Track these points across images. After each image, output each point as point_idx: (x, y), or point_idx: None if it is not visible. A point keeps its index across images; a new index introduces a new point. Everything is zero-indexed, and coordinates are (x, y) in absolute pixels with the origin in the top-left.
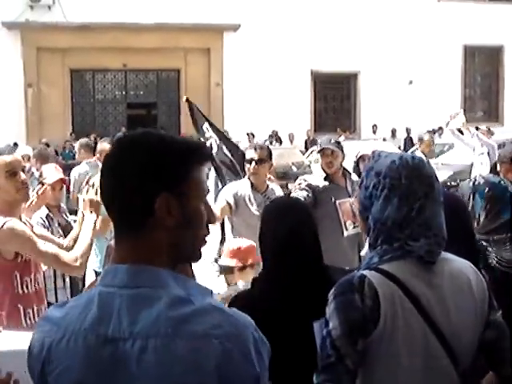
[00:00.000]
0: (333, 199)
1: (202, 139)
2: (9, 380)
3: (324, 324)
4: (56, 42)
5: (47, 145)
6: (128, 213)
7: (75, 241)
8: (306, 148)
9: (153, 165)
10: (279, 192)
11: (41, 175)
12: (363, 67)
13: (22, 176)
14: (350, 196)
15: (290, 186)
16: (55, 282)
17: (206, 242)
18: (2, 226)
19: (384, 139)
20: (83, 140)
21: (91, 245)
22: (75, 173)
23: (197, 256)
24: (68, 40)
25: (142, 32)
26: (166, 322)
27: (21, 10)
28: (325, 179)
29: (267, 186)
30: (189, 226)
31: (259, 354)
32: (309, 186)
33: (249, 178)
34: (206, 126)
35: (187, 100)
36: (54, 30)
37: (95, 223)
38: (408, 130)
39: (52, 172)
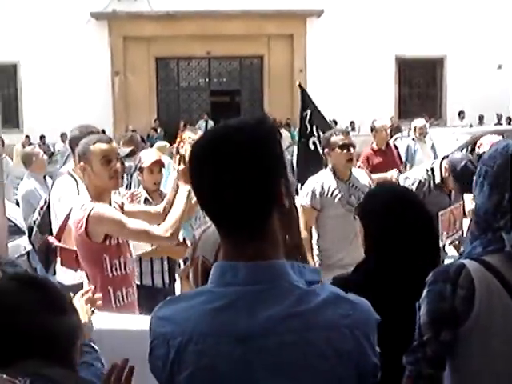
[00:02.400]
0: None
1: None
2: (125, 366)
3: (418, 308)
4: (142, 31)
5: (134, 131)
6: (248, 214)
7: (170, 207)
8: (391, 135)
9: (270, 153)
10: (364, 178)
11: (139, 160)
12: (450, 51)
13: (117, 165)
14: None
15: None
16: (152, 265)
17: None
18: (91, 211)
19: (471, 125)
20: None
21: (183, 215)
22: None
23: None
24: (153, 29)
25: (226, 19)
26: (298, 316)
27: (108, 1)
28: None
29: (350, 173)
30: (291, 211)
31: (375, 337)
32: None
33: (332, 167)
34: (307, 113)
35: (299, 85)
36: (140, 20)
37: (189, 193)
38: (499, 116)
39: (149, 155)
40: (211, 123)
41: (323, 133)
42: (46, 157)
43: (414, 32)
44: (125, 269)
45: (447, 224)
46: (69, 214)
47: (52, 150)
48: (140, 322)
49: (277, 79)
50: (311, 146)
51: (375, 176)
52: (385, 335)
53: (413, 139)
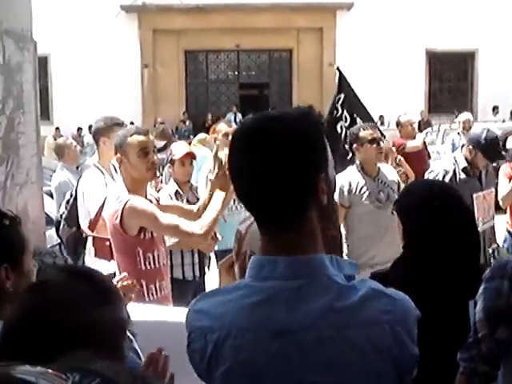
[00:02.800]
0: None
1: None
2: (159, 356)
3: (474, 305)
4: (171, 24)
5: (162, 123)
6: (286, 206)
7: (205, 207)
8: (420, 129)
9: (311, 146)
10: (392, 173)
11: (170, 153)
12: (481, 45)
13: (154, 157)
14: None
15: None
16: (182, 258)
17: None
18: (126, 204)
19: (503, 121)
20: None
21: (218, 215)
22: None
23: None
24: (183, 22)
25: (255, 12)
26: (337, 311)
27: None
28: None
29: (379, 169)
30: (329, 196)
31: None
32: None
33: (360, 163)
34: (341, 96)
35: (337, 68)
36: (170, 12)
37: (225, 199)
38: None
39: (181, 148)
40: (240, 116)
41: (360, 119)
42: (79, 147)
43: (444, 25)
44: (158, 262)
45: (482, 209)
46: (102, 205)
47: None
48: (173, 314)
49: (306, 73)
50: (338, 130)
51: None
52: (425, 331)
53: (458, 133)
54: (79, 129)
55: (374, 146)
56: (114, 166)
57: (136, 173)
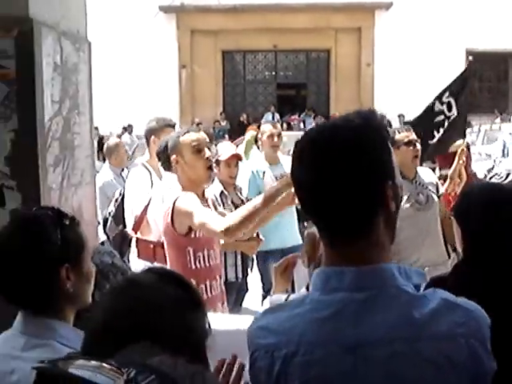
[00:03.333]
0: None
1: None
2: (234, 362)
3: None
4: (209, 25)
5: (200, 123)
6: (354, 215)
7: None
8: None
9: (377, 153)
10: (429, 174)
11: (216, 153)
12: None
13: (208, 153)
14: None
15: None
16: (225, 259)
17: None
18: (175, 202)
19: None
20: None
21: (252, 218)
22: None
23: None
24: (220, 22)
25: (293, 12)
26: (409, 324)
27: None
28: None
29: (416, 171)
30: (397, 202)
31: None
32: None
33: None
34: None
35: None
36: (207, 13)
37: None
38: None
39: (227, 149)
40: (277, 116)
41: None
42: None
43: (485, 25)
44: (209, 261)
45: None
46: (147, 205)
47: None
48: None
49: (343, 73)
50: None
51: None
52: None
53: (510, 133)
54: (129, 126)
55: (411, 148)
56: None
57: (193, 172)
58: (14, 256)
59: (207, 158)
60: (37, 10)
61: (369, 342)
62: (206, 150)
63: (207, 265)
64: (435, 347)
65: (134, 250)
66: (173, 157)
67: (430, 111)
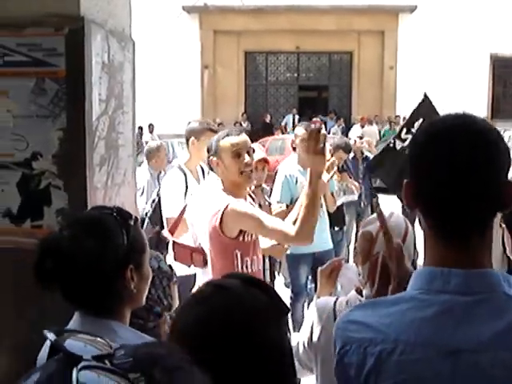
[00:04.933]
0: None
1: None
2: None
3: None
4: (232, 25)
5: (221, 124)
6: (471, 214)
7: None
8: None
9: (503, 154)
10: None
11: None
12: None
13: (247, 158)
14: None
15: None
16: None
17: None
18: (228, 205)
19: None
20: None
21: (307, 219)
22: None
23: None
24: (243, 23)
25: (316, 14)
26: None
27: None
28: None
29: None
30: None
31: None
32: None
33: None
34: (420, 121)
35: (425, 94)
36: (230, 13)
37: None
38: None
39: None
40: (298, 118)
41: None
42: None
43: (510, 29)
44: (253, 267)
45: None
46: (184, 208)
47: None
48: None
49: (366, 76)
50: (397, 147)
51: None
52: None
53: None
54: (150, 125)
55: None
56: (202, 167)
57: (231, 175)
58: (80, 259)
59: (246, 162)
60: (87, 9)
61: (472, 348)
62: (246, 155)
63: (252, 270)
64: None
65: (171, 252)
66: (213, 159)
67: (391, 150)
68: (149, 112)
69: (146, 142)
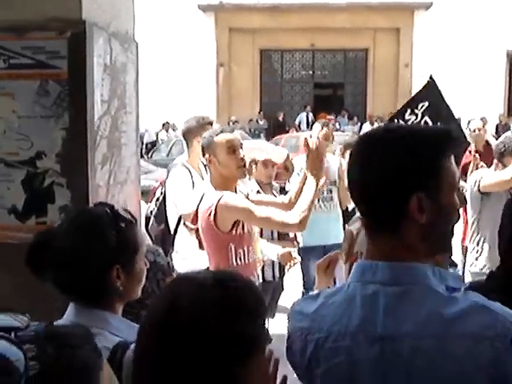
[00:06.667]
0: None
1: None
2: (270, 357)
3: None
4: (247, 23)
5: (236, 122)
6: (381, 213)
7: (296, 198)
8: (497, 133)
9: (405, 166)
10: None
11: None
12: None
13: (241, 153)
14: None
15: None
16: (263, 259)
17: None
18: (219, 200)
19: None
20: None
21: (312, 203)
22: None
23: (448, 247)
24: (258, 21)
25: (331, 12)
26: (437, 322)
27: None
28: None
29: None
30: (442, 219)
31: None
32: None
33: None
34: (425, 104)
35: (431, 77)
36: (246, 11)
37: (317, 184)
38: None
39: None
40: (311, 116)
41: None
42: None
43: None
44: (248, 258)
45: None
46: (201, 200)
47: (152, 139)
48: None
49: (381, 73)
50: None
51: None
52: None
53: None
54: (164, 124)
55: None
56: (204, 164)
57: (226, 171)
58: (71, 253)
59: (241, 158)
60: (89, 12)
61: (396, 335)
62: (240, 150)
63: (247, 261)
64: (460, 346)
65: (177, 248)
66: (206, 156)
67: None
68: (165, 110)
69: (162, 140)
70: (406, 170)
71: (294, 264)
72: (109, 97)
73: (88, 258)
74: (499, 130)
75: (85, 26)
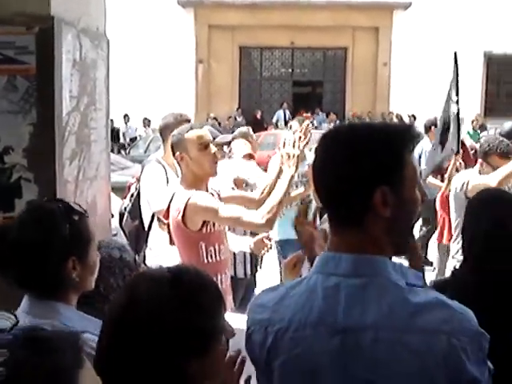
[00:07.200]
0: None
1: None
2: (238, 356)
3: None
4: (227, 20)
5: (215, 119)
6: (346, 207)
7: (268, 193)
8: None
9: (369, 161)
10: None
11: (230, 150)
12: None
13: (213, 148)
14: None
15: None
16: (235, 256)
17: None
18: (188, 200)
19: None
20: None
21: (282, 203)
22: None
23: (407, 247)
24: (238, 17)
25: (311, 10)
26: (398, 315)
27: None
28: None
29: None
30: (405, 214)
31: (482, 352)
32: None
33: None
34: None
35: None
36: (226, 8)
37: (291, 178)
38: None
39: (240, 147)
40: (288, 113)
41: None
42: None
43: (503, 28)
44: (220, 255)
45: None
46: (172, 198)
47: (135, 135)
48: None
49: (360, 72)
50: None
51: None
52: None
53: None
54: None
55: None
56: None
57: (198, 168)
58: (26, 246)
59: (213, 153)
60: (58, 8)
61: (356, 327)
62: (211, 145)
63: (218, 259)
64: (419, 340)
65: (151, 245)
66: (177, 154)
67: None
68: (144, 106)
69: (140, 136)
70: (371, 165)
71: (267, 250)
72: (78, 93)
73: (44, 251)
74: (475, 130)
75: (53, 22)
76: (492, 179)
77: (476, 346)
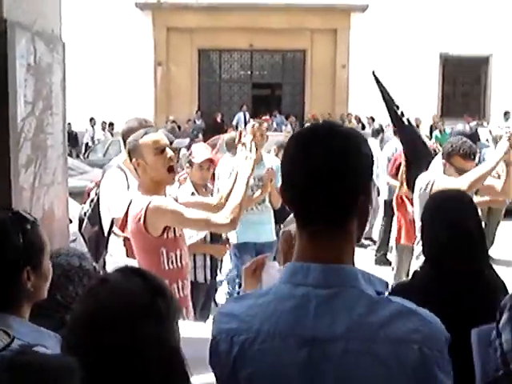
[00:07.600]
0: None
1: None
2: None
3: (495, 335)
4: (185, 22)
5: (174, 122)
6: (332, 211)
7: (226, 199)
8: (431, 134)
9: (355, 166)
10: None
11: (190, 154)
12: (496, 50)
13: (170, 152)
14: None
15: None
16: (195, 261)
17: None
18: (149, 205)
19: None
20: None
21: (243, 203)
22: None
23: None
24: (197, 20)
25: (269, 12)
26: (367, 325)
27: None
28: None
29: None
30: (363, 220)
31: (448, 360)
32: None
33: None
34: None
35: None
36: (184, 11)
37: (248, 179)
38: None
39: (201, 151)
40: (248, 116)
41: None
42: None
43: (459, 30)
44: (180, 262)
45: None
46: (129, 205)
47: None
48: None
49: (319, 74)
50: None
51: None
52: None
53: (487, 140)
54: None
55: None
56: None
57: (155, 173)
58: None
59: (169, 157)
60: (11, 11)
61: (325, 338)
62: (168, 149)
63: (179, 265)
64: (388, 350)
65: (111, 251)
66: (133, 160)
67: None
68: (102, 109)
69: (98, 140)
70: (355, 170)
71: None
72: (33, 98)
73: None
74: (433, 131)
75: (6, 25)
76: (463, 183)
77: (446, 354)
